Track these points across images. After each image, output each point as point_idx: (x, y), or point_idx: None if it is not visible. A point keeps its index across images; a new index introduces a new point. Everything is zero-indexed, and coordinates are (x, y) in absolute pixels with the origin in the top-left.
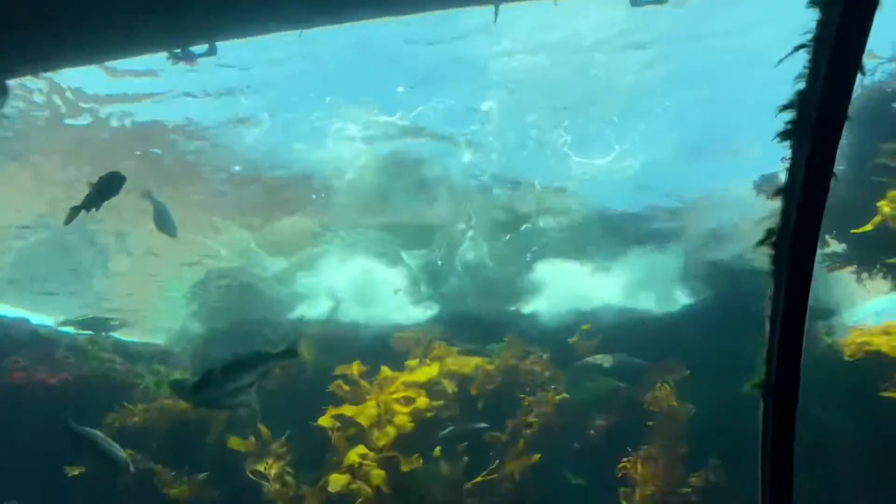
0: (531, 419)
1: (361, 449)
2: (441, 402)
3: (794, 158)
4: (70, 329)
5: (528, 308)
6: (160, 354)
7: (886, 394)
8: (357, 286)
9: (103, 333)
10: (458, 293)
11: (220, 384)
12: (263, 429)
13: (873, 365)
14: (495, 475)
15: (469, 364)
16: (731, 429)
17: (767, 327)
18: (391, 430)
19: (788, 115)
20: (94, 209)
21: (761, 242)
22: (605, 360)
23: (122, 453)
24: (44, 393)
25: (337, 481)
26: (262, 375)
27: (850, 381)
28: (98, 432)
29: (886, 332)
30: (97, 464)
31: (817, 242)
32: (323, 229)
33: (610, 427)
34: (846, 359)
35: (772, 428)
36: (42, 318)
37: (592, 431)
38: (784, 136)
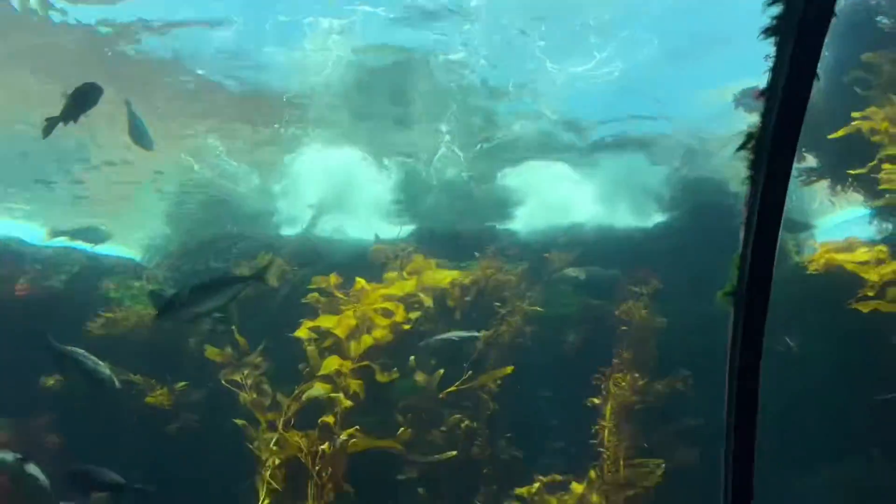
0: (505, 329)
1: (336, 360)
2: (419, 314)
3: (777, 56)
4: (63, 239)
5: (505, 224)
6: (133, 269)
7: (853, 305)
8: (335, 193)
9: (96, 244)
10: (435, 208)
11: (187, 307)
12: (240, 339)
13: (839, 281)
14: (469, 385)
15: (446, 277)
16: (700, 345)
17: (742, 233)
18: (367, 340)
19: (775, 10)
20: (71, 121)
21: (741, 147)
22: (579, 273)
23: (106, 370)
24: (14, 307)
25: (319, 388)
26: (230, 299)
27: (818, 299)
28: (81, 350)
29: (849, 249)
30: (82, 381)
31: (797, 144)
32: (298, 133)
33: (582, 342)
34: (811, 274)
35: (741, 335)
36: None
37: (565, 346)
38: (769, 32)
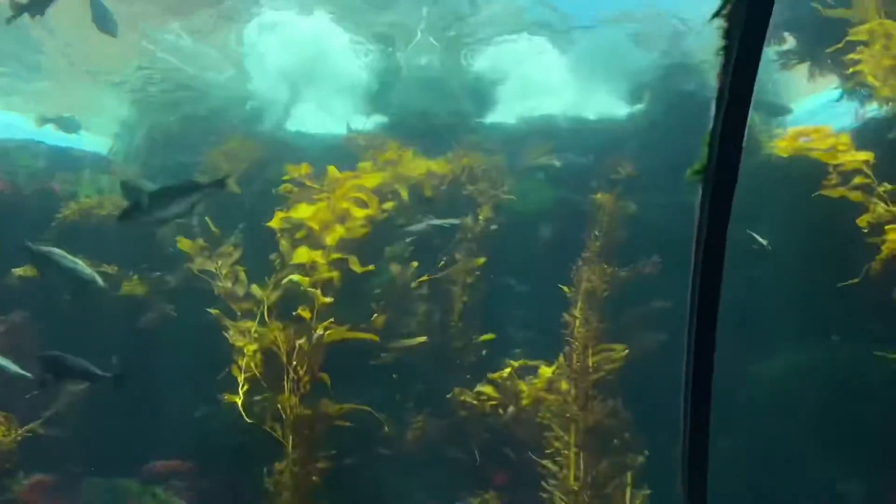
0: (480, 220)
1: (306, 251)
2: (393, 204)
3: None
4: (51, 127)
5: (480, 115)
6: (100, 162)
7: (821, 193)
8: (306, 70)
9: (72, 133)
10: (408, 98)
11: (148, 214)
12: (214, 228)
13: (807, 170)
14: (443, 274)
15: (421, 167)
16: (673, 234)
17: (713, 108)
18: (340, 230)
19: None
20: (38, 15)
21: (716, 14)
22: (554, 160)
23: (87, 269)
24: None
25: (297, 277)
26: (192, 206)
27: (786, 187)
28: (59, 250)
29: (818, 135)
30: (63, 282)
31: (772, 7)
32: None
33: (555, 235)
34: (780, 164)
35: (708, 213)
36: None
37: (538, 239)
38: None
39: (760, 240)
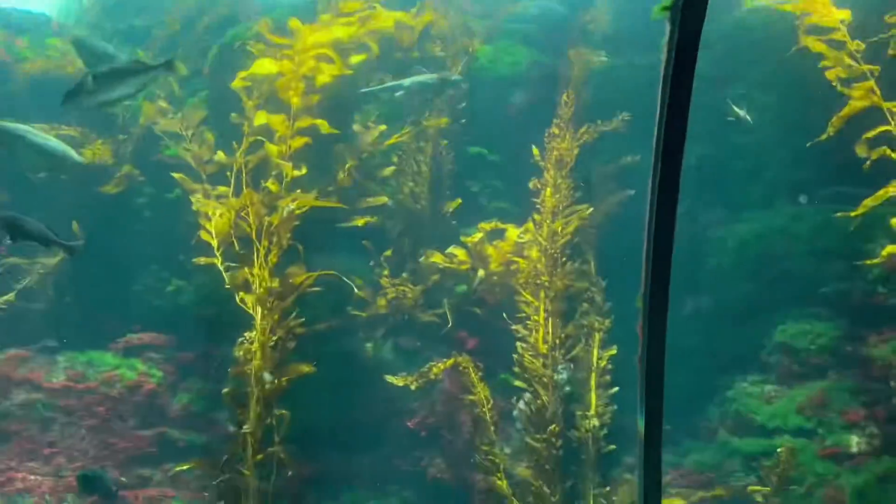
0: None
1: (264, 114)
2: (364, 57)
3: None
4: None
5: None
6: (48, 25)
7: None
8: None
9: None
10: None
11: (93, 96)
12: (174, 85)
13: (787, 29)
14: (410, 140)
15: (390, 19)
16: (646, 92)
17: None
18: (300, 87)
19: None
20: None
21: None
22: (531, 8)
23: (59, 144)
24: None
25: (267, 147)
26: (139, 88)
27: (766, 49)
28: (26, 126)
29: None
30: (35, 160)
31: None
32: None
33: (528, 101)
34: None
35: (674, 57)
36: None
37: (510, 107)
38: None
39: (738, 111)
